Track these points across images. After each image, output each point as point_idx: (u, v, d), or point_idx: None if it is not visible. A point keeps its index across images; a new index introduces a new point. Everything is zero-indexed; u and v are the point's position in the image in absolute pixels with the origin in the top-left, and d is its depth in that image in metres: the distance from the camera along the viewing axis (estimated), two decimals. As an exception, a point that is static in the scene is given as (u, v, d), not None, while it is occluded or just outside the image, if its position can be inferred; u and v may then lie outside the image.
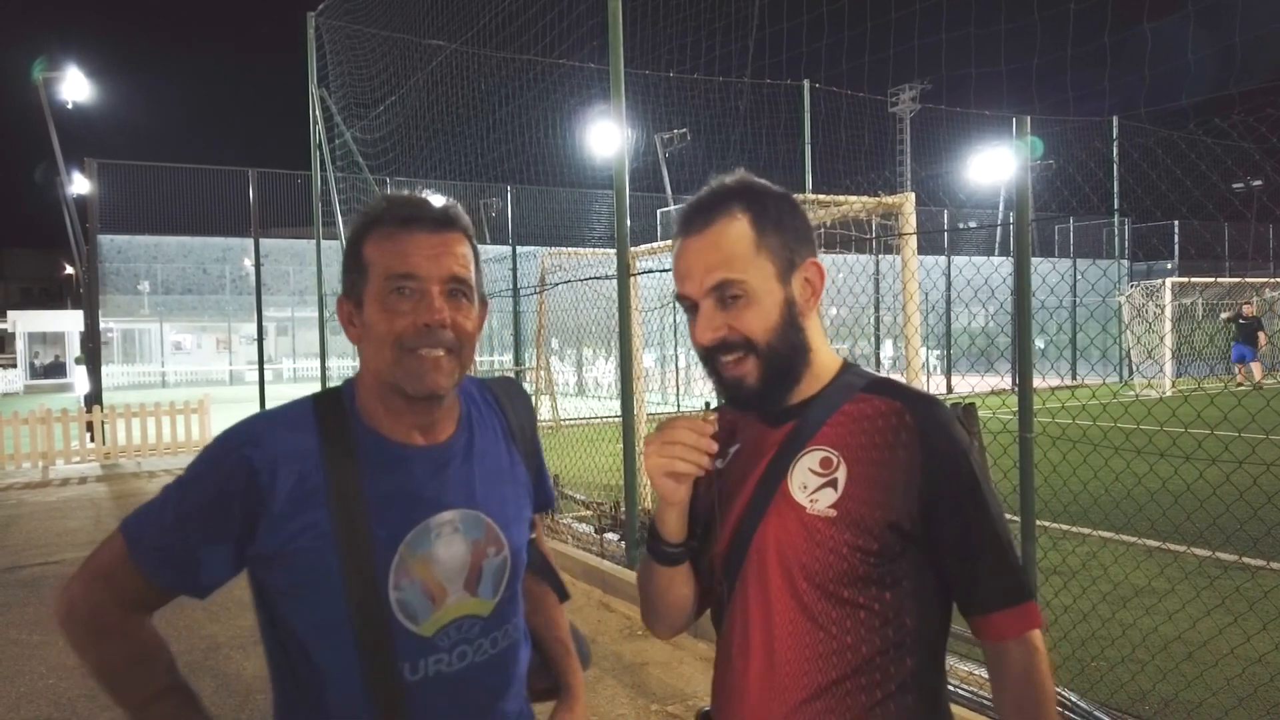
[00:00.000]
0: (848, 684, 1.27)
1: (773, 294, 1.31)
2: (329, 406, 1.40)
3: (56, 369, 39.85)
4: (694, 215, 1.34)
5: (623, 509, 6.60)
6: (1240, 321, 19.46)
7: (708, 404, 1.40)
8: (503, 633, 1.45)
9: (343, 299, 1.41)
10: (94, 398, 14.48)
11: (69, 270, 41.52)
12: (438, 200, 1.41)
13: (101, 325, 16.50)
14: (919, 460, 1.26)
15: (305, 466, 1.32)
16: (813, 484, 1.30)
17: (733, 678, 1.37)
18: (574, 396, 17.50)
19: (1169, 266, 25.68)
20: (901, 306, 5.24)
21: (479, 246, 1.48)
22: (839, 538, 1.26)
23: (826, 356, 1.38)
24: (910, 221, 5.50)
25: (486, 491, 1.45)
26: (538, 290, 10.00)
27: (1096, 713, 3.73)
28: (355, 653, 1.32)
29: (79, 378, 25.76)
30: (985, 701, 3.74)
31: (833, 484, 1.28)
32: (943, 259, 21.35)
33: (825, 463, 1.30)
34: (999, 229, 24.42)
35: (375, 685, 1.33)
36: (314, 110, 13.74)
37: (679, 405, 17.82)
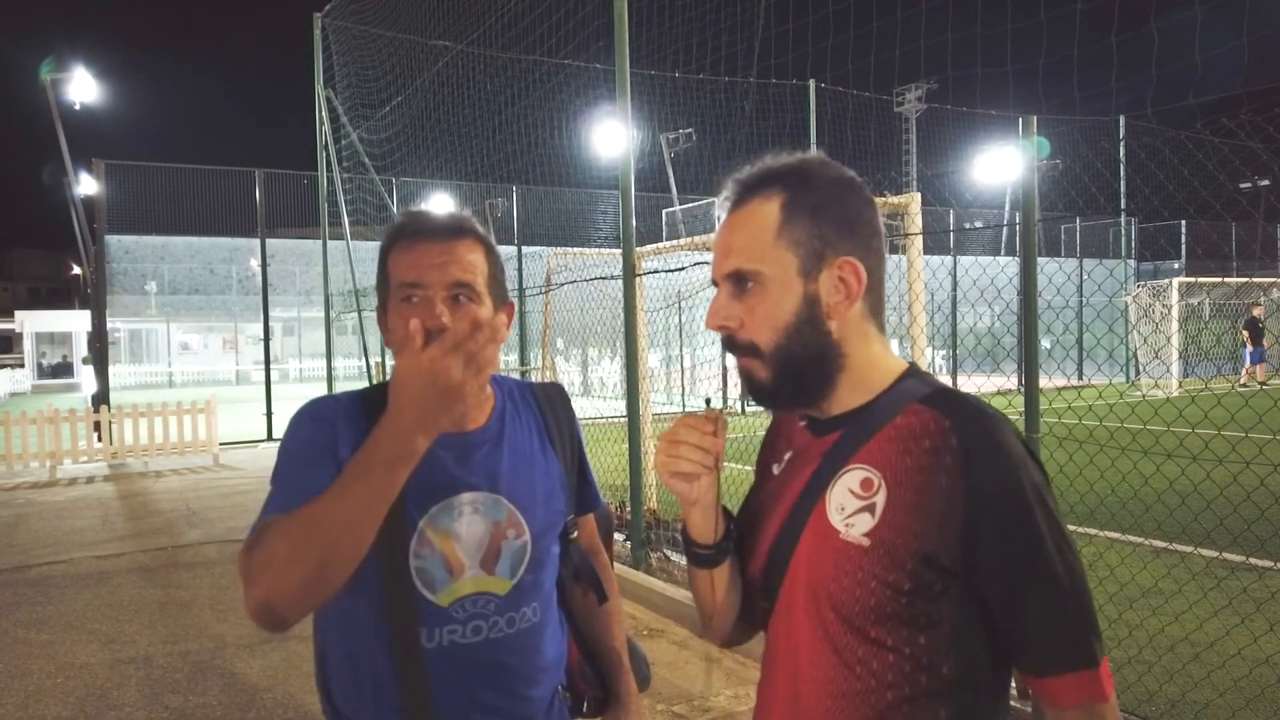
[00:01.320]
0: None
1: (789, 288, 1.20)
2: (373, 397, 1.53)
3: (64, 369, 39.99)
4: (733, 192, 1.26)
5: (628, 509, 6.60)
6: (1260, 325, 19.47)
7: (708, 400, 1.36)
8: (520, 614, 1.52)
9: (379, 309, 1.55)
10: (101, 398, 14.53)
11: (76, 270, 41.65)
12: (451, 211, 1.52)
13: (108, 325, 16.54)
14: (960, 489, 1.10)
15: (354, 442, 1.41)
16: (851, 506, 1.17)
17: (761, 704, 1.31)
18: (579, 396, 17.51)
19: (1176, 266, 25.62)
20: (907, 307, 5.23)
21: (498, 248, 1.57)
22: (869, 570, 1.13)
23: (880, 361, 1.24)
24: (916, 222, 5.49)
25: (512, 479, 1.53)
26: (543, 290, 10.00)
27: (1103, 714, 3.72)
28: (381, 614, 1.44)
29: (86, 378, 25.81)
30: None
31: (870, 509, 1.15)
32: (949, 259, 21.31)
33: (866, 484, 1.17)
34: (1005, 229, 24.38)
35: (396, 648, 1.44)
36: (320, 111, 13.77)
37: (684, 405, 17.82)
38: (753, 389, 1.25)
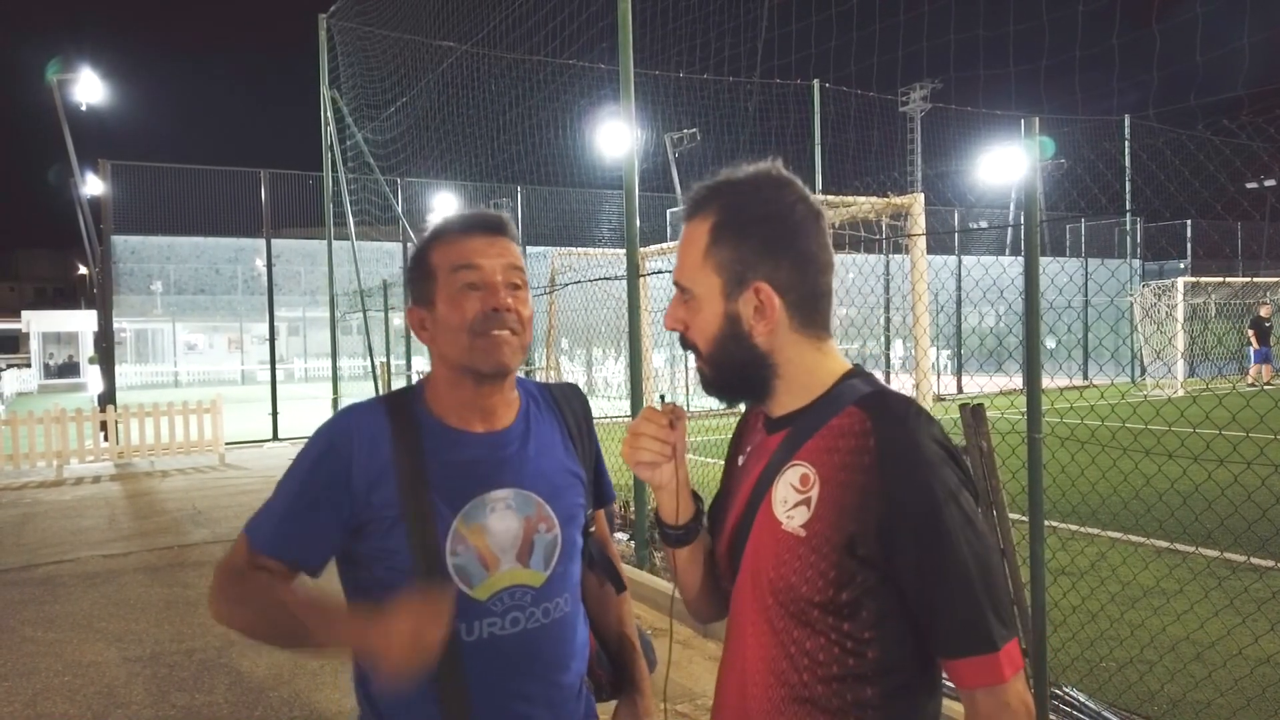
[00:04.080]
0: (806, 704, 1.26)
1: (714, 307, 1.30)
2: (399, 401, 1.60)
3: (70, 369, 40.08)
4: (686, 206, 1.37)
5: (631, 509, 6.63)
6: (1266, 325, 19.43)
7: (662, 396, 1.48)
8: (554, 605, 1.58)
9: (413, 307, 1.61)
10: (107, 397, 14.57)
11: (83, 271, 41.75)
12: (488, 210, 1.62)
13: (115, 325, 16.61)
14: (876, 486, 1.19)
15: (380, 451, 1.52)
16: (791, 500, 1.27)
17: (719, 680, 1.43)
18: (584, 396, 17.40)
19: (1181, 266, 25.57)
20: (910, 306, 5.25)
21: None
22: (805, 559, 1.23)
23: (817, 367, 1.33)
24: (919, 222, 5.52)
25: (539, 475, 1.59)
26: (548, 290, 10.03)
27: (1105, 713, 3.74)
28: None
29: (92, 377, 25.89)
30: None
31: (808, 502, 1.25)
32: (953, 259, 21.31)
33: (804, 480, 1.27)
34: (1009, 229, 24.35)
35: None
36: (326, 111, 13.80)
37: (688, 405, 17.82)
38: (702, 382, 1.38)
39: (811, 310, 1.31)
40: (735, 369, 1.32)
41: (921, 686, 1.28)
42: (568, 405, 1.74)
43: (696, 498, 1.44)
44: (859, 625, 1.23)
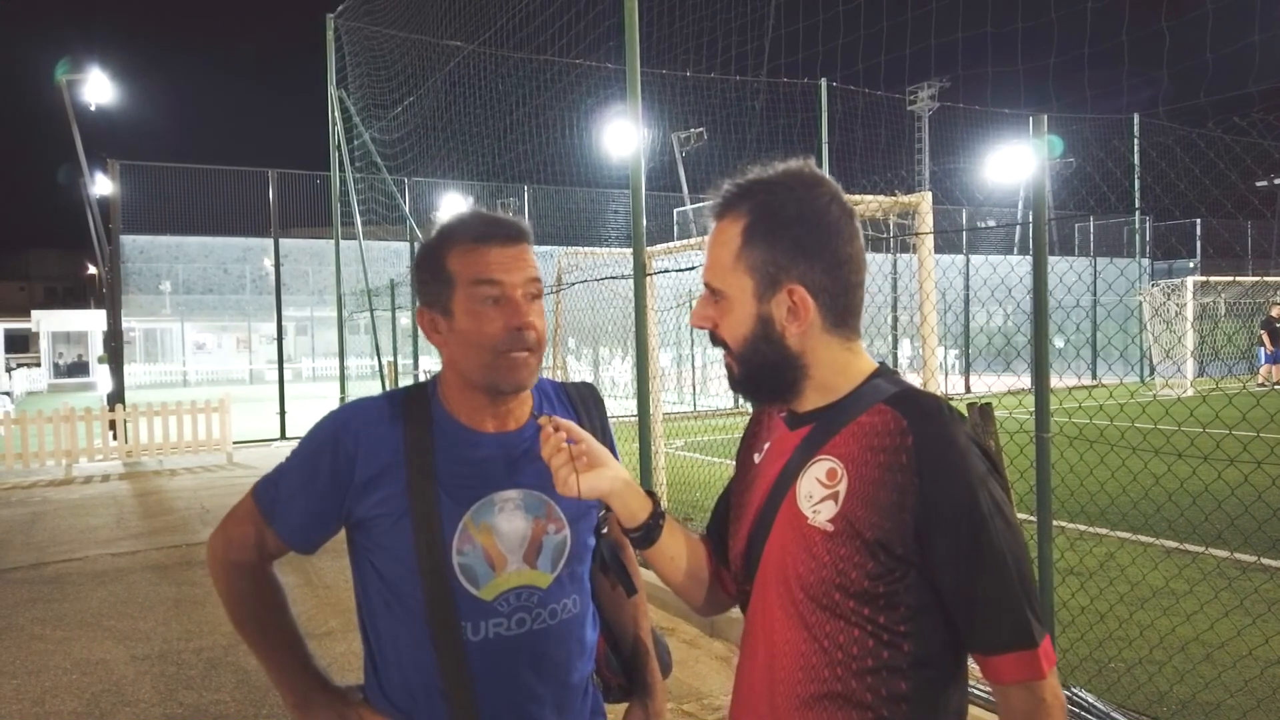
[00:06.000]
0: (838, 699, 1.26)
1: (746, 308, 1.31)
2: (414, 397, 1.60)
3: (79, 368, 40.25)
4: (716, 205, 1.35)
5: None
6: (1278, 326, 19.32)
7: (534, 416, 1.52)
8: (561, 606, 1.58)
9: (424, 309, 1.58)
10: (116, 396, 14.62)
11: (92, 270, 41.90)
12: (506, 216, 1.59)
13: (124, 325, 16.65)
14: (914, 485, 1.20)
15: (388, 445, 1.53)
16: (817, 494, 1.28)
17: (739, 678, 1.41)
18: (591, 396, 17.36)
19: (1191, 265, 25.46)
20: (918, 306, 5.23)
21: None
22: (835, 552, 1.24)
23: (845, 366, 1.34)
24: (926, 221, 5.49)
25: (550, 476, 1.56)
26: (554, 290, 10.03)
27: (1114, 714, 3.72)
28: (424, 610, 1.50)
29: (102, 377, 25.94)
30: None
31: (834, 497, 1.25)
32: (960, 258, 21.24)
33: (831, 474, 1.27)
34: (1017, 228, 24.26)
35: (439, 642, 1.49)
36: (333, 111, 13.83)
37: (695, 405, 17.81)
38: (730, 382, 1.38)
39: (843, 311, 1.32)
40: (766, 369, 1.33)
41: (952, 679, 1.30)
42: (582, 405, 1.74)
43: (652, 496, 1.44)
44: (895, 618, 1.23)
